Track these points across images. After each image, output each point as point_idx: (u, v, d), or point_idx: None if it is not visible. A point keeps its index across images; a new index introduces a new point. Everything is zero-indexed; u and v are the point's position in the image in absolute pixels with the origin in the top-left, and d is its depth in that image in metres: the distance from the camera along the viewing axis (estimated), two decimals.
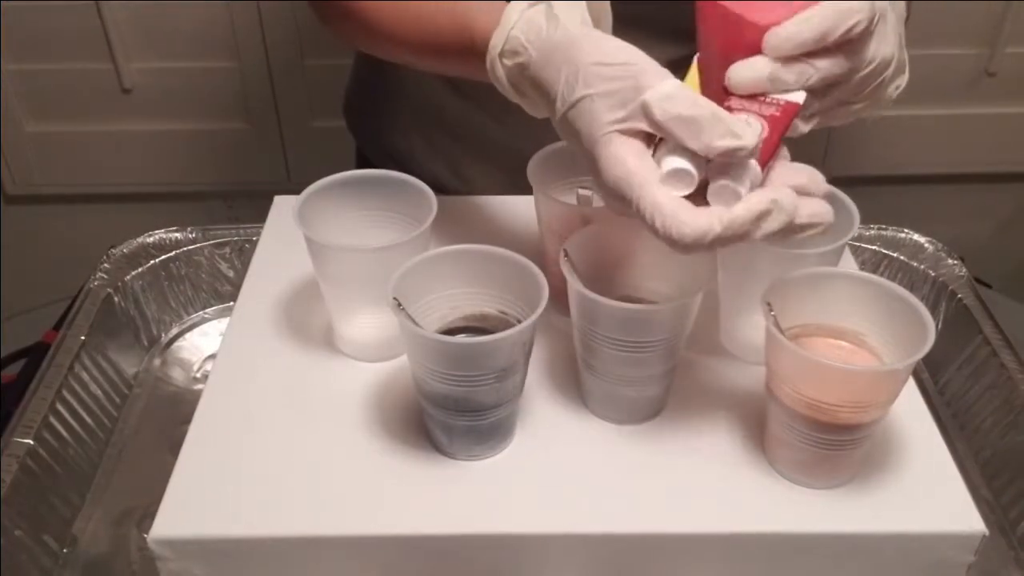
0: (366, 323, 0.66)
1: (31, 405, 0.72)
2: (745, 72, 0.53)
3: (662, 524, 0.57)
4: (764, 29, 0.53)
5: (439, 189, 0.67)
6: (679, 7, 0.58)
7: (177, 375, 0.83)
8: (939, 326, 0.84)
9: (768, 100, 0.54)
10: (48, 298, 0.95)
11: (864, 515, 0.58)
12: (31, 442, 0.69)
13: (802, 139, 0.57)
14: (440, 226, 0.63)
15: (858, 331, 0.60)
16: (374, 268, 0.60)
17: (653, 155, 0.52)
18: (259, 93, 1.51)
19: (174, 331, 0.87)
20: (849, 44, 0.54)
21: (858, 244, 0.90)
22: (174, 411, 0.78)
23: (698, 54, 0.56)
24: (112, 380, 0.79)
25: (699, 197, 0.51)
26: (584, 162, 0.54)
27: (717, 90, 0.54)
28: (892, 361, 0.58)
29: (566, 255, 0.59)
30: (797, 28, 0.53)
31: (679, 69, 0.55)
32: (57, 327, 0.82)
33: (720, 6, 0.55)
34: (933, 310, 0.83)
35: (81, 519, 0.70)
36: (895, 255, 0.90)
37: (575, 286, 0.58)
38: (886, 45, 0.57)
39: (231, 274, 0.89)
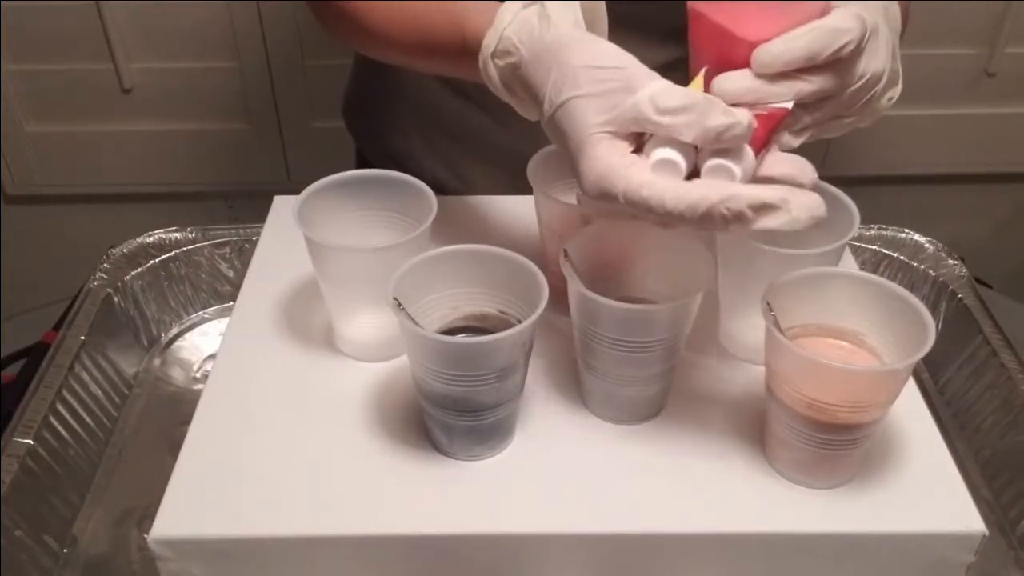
0: (366, 323, 0.66)
1: (31, 405, 0.72)
2: (731, 85, 0.54)
3: (662, 524, 0.57)
4: (754, 45, 0.53)
5: (439, 189, 0.67)
6: (675, 8, 0.58)
7: (177, 375, 0.83)
8: (939, 326, 0.84)
9: (756, 109, 0.54)
10: (48, 298, 0.95)
11: (864, 515, 0.58)
12: (31, 442, 0.69)
13: None
14: (440, 226, 0.63)
15: (858, 331, 0.60)
16: (374, 268, 0.60)
17: (641, 152, 0.52)
18: (259, 93, 1.51)
19: (174, 331, 0.87)
20: (839, 62, 0.54)
21: (858, 244, 0.90)
22: (174, 411, 0.78)
23: (705, 67, 0.56)
24: (112, 380, 0.79)
25: None
26: (570, 163, 0.54)
27: None
28: (892, 361, 0.58)
29: (566, 255, 0.59)
30: (786, 47, 0.53)
31: (675, 71, 0.55)
32: (57, 327, 0.82)
33: (710, 19, 0.55)
34: (933, 310, 0.83)
35: (81, 519, 0.70)
36: (895, 255, 0.90)
37: (575, 286, 0.58)
38: (877, 60, 0.57)
39: (231, 274, 0.89)
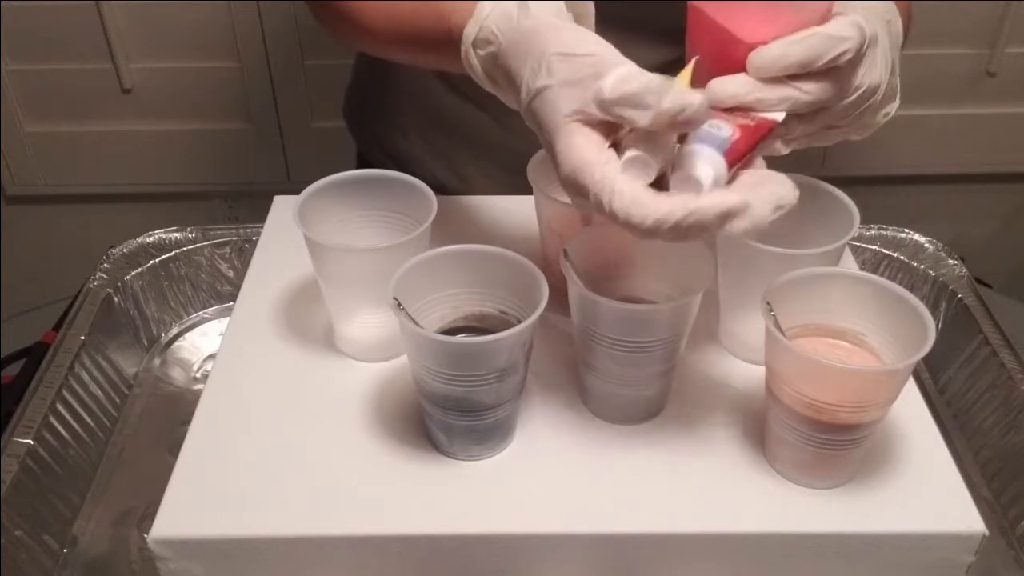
0: (366, 323, 0.66)
1: (31, 405, 0.72)
2: (726, 87, 0.53)
3: (662, 524, 0.57)
4: (751, 47, 0.53)
5: (439, 189, 0.67)
6: (670, 8, 0.58)
7: (177, 375, 0.83)
8: (939, 326, 0.84)
9: (745, 115, 0.53)
10: (48, 298, 0.95)
11: (864, 515, 0.58)
12: (31, 442, 0.69)
13: None
14: (440, 226, 0.63)
15: (858, 331, 0.60)
16: (374, 268, 0.60)
17: (616, 150, 0.52)
18: (259, 93, 1.51)
19: (174, 331, 0.87)
20: (836, 71, 0.54)
21: (858, 244, 0.90)
22: (174, 411, 0.78)
23: (695, 58, 0.55)
24: (112, 380, 0.79)
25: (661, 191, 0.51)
26: (548, 153, 0.54)
27: None
28: (892, 361, 0.58)
29: (566, 255, 0.59)
30: (783, 51, 0.52)
31: (670, 72, 0.55)
32: (57, 327, 0.82)
33: (709, 17, 0.55)
34: (933, 310, 0.83)
35: (81, 519, 0.70)
36: (895, 255, 0.90)
37: (575, 286, 0.58)
38: (874, 72, 0.56)
39: (231, 274, 0.89)
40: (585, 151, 0.50)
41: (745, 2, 0.54)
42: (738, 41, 0.54)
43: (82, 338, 0.78)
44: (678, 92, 0.49)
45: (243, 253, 0.89)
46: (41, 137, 1.55)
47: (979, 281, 0.88)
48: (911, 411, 0.64)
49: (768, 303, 0.57)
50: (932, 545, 0.58)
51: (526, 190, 0.69)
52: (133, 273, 0.85)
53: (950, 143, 1.57)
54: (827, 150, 1.51)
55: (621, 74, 0.50)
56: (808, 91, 0.53)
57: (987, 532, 0.57)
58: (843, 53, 0.53)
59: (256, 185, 1.59)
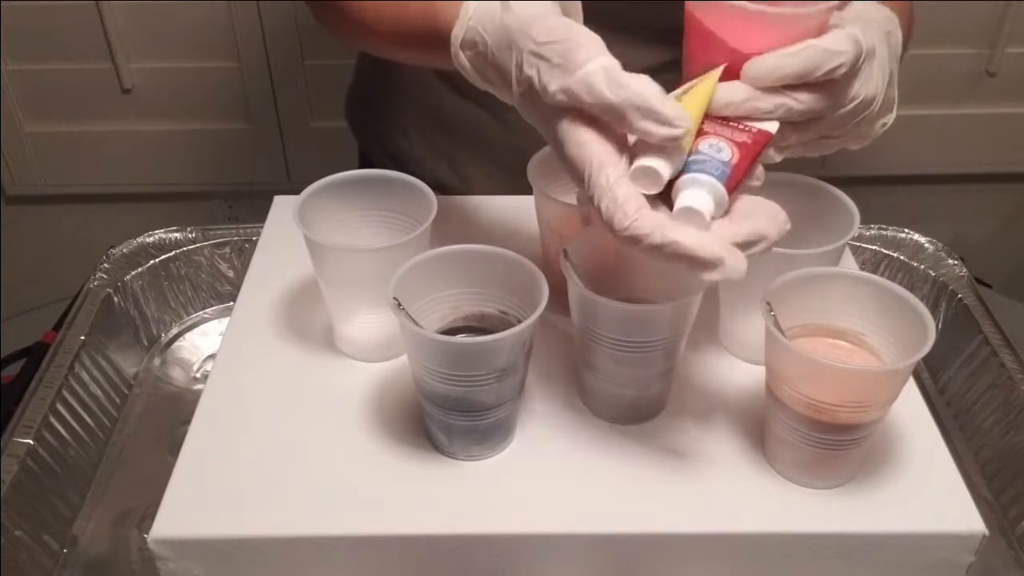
0: (366, 323, 0.66)
1: (31, 405, 0.72)
2: (721, 94, 0.53)
3: (662, 524, 0.57)
4: (746, 57, 0.53)
5: (440, 189, 0.67)
6: (664, 10, 0.58)
7: (177, 375, 0.83)
8: (939, 326, 0.84)
9: (741, 126, 0.53)
10: (48, 298, 0.95)
11: (864, 515, 0.58)
12: (31, 442, 0.69)
13: None
14: (440, 226, 0.63)
15: (858, 331, 0.60)
16: (374, 268, 0.60)
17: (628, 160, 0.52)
18: (259, 93, 1.51)
19: (174, 331, 0.87)
20: (831, 83, 0.54)
21: (858, 244, 0.90)
22: (174, 411, 0.78)
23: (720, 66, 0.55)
24: (112, 380, 0.79)
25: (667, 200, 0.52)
26: (548, 141, 0.55)
27: None
28: (892, 361, 0.58)
29: (566, 255, 0.59)
30: (778, 63, 0.53)
31: (662, 74, 0.55)
32: (57, 327, 0.82)
33: (705, 26, 0.55)
34: (933, 310, 0.83)
35: (81, 519, 0.70)
36: (895, 255, 0.90)
37: (575, 286, 0.58)
38: (870, 85, 0.56)
39: (231, 274, 0.89)
40: (588, 146, 0.51)
41: (742, 12, 0.53)
42: (734, 51, 0.54)
43: (82, 338, 0.78)
44: (666, 118, 0.49)
45: (243, 253, 0.89)
46: (41, 137, 1.55)
47: (979, 281, 0.88)
48: (911, 411, 0.64)
49: (768, 303, 0.57)
50: (932, 545, 0.58)
51: (526, 190, 0.69)
52: (133, 273, 0.85)
53: (950, 143, 1.57)
54: None
55: (598, 67, 0.50)
56: (802, 100, 0.54)
57: (987, 532, 0.57)
58: (838, 67, 0.53)
59: (256, 185, 1.59)
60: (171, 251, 0.88)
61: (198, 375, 0.83)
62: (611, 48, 0.53)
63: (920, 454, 0.62)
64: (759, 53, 0.53)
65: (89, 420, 0.75)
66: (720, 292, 0.68)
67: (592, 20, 0.56)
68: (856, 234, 0.64)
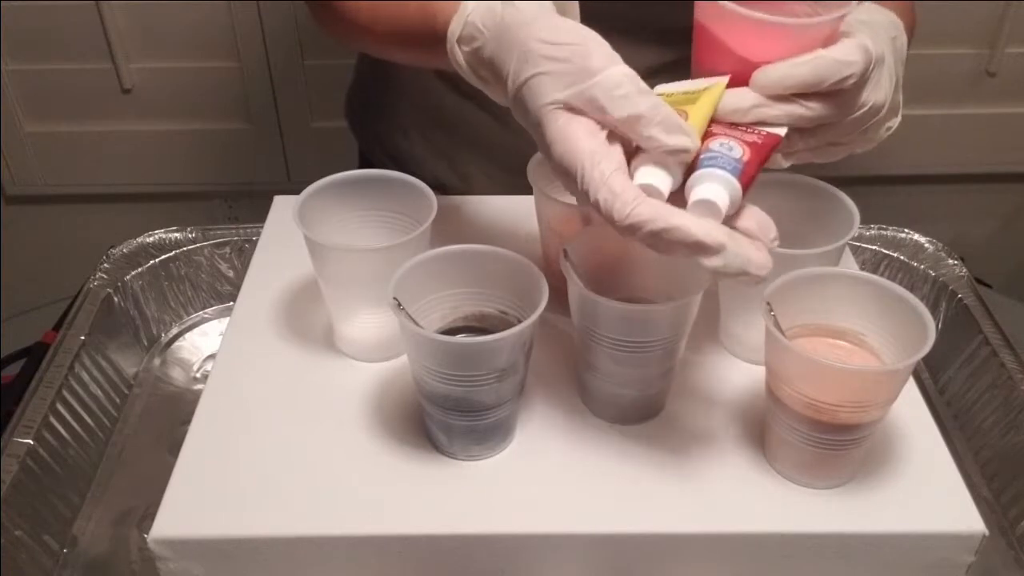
0: (366, 323, 0.66)
1: (31, 405, 0.72)
2: (729, 100, 0.53)
3: (662, 524, 0.57)
4: (755, 66, 0.53)
5: (440, 189, 0.67)
6: (665, 10, 0.58)
7: (177, 375, 0.83)
8: (939, 326, 0.84)
9: (750, 129, 0.53)
10: (48, 298, 0.95)
11: (864, 515, 0.58)
12: (31, 442, 0.69)
13: None
14: (440, 226, 0.63)
15: (858, 331, 0.60)
16: (374, 268, 0.60)
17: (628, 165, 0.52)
18: (259, 93, 1.51)
19: (174, 331, 0.87)
20: (841, 92, 0.54)
21: (858, 244, 0.90)
22: (174, 411, 0.78)
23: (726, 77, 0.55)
24: (112, 380, 0.79)
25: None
26: (537, 142, 0.54)
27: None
28: (892, 361, 0.58)
29: (566, 255, 0.59)
30: (788, 72, 0.53)
31: (660, 76, 0.55)
32: (57, 327, 0.82)
33: (715, 36, 0.55)
34: (933, 310, 0.83)
35: (81, 519, 0.70)
36: (895, 255, 0.90)
37: (575, 286, 0.58)
38: (879, 91, 0.56)
39: (231, 274, 0.89)
40: (577, 140, 0.51)
41: (751, 21, 0.53)
42: (742, 59, 0.54)
43: (82, 338, 0.78)
44: (678, 129, 0.50)
45: (243, 253, 0.89)
46: (41, 137, 1.55)
47: (979, 281, 0.88)
48: (911, 411, 0.64)
49: (768, 303, 0.57)
50: (932, 545, 0.58)
51: (526, 190, 0.69)
52: (133, 273, 0.85)
53: (950, 143, 1.57)
54: None
55: (623, 73, 0.50)
56: (811, 108, 0.54)
57: (987, 532, 0.57)
58: (848, 77, 0.53)
59: (256, 185, 1.59)
60: (171, 251, 0.88)
61: (198, 375, 0.83)
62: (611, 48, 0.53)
63: (920, 454, 0.62)
64: (768, 61, 0.53)
65: (89, 420, 0.75)
66: (720, 292, 0.68)
67: (592, 20, 0.56)
68: (856, 234, 0.64)
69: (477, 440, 0.60)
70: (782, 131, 0.53)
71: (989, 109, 1.54)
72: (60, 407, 0.73)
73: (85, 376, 0.77)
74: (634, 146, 0.52)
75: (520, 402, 0.61)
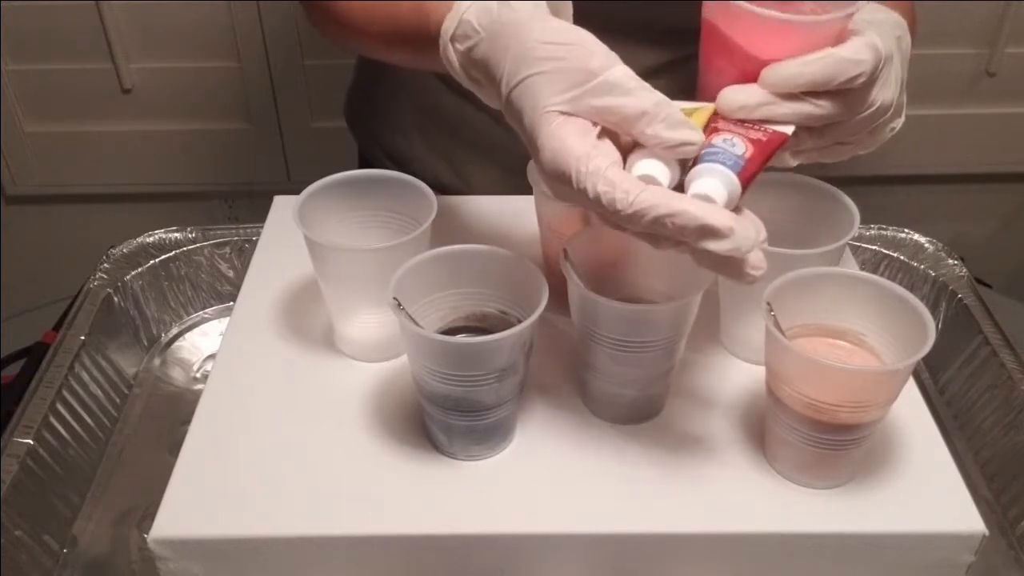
0: (366, 323, 0.66)
1: (31, 405, 0.72)
2: (737, 96, 0.53)
3: (662, 524, 0.57)
4: (764, 63, 0.53)
5: (440, 189, 0.67)
6: (661, 11, 0.57)
7: (177, 375, 0.83)
8: (939, 326, 0.84)
9: (756, 127, 0.53)
10: (48, 298, 0.95)
11: (864, 515, 0.58)
12: (31, 442, 0.69)
13: None
14: (440, 226, 0.63)
15: (858, 331, 0.60)
16: (374, 268, 0.60)
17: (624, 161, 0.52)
18: (259, 93, 1.51)
19: (174, 331, 0.87)
20: (850, 90, 0.54)
21: (858, 244, 0.90)
22: (174, 411, 0.78)
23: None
24: (112, 380, 0.79)
25: None
26: (527, 144, 0.54)
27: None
28: (892, 361, 0.58)
29: (566, 255, 0.59)
30: (797, 70, 0.52)
31: (657, 76, 0.55)
32: (57, 327, 0.82)
33: (723, 33, 0.54)
34: (933, 310, 0.83)
35: (81, 519, 0.70)
36: (895, 255, 0.90)
37: (575, 286, 0.58)
38: (887, 91, 0.56)
39: (231, 274, 0.89)
40: (566, 138, 0.50)
41: (760, 18, 0.53)
42: (752, 58, 0.53)
43: (82, 338, 0.78)
44: (683, 124, 0.49)
45: (243, 253, 0.89)
46: (41, 137, 1.55)
47: (979, 281, 0.88)
48: (911, 411, 0.64)
49: (768, 303, 0.57)
50: (932, 545, 0.58)
51: (526, 190, 0.69)
52: (133, 273, 0.85)
53: (950, 143, 1.57)
54: None
55: (623, 73, 0.50)
56: (821, 106, 0.53)
57: (987, 532, 0.57)
58: (858, 75, 0.53)
59: (256, 185, 1.59)
60: (171, 251, 0.88)
61: (198, 375, 0.83)
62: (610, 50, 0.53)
63: (920, 454, 0.62)
64: (776, 59, 0.53)
65: (89, 420, 0.75)
66: (720, 292, 0.68)
67: (591, 20, 0.56)
68: (856, 234, 0.64)
69: (477, 440, 0.60)
70: (788, 129, 0.53)
71: (989, 109, 1.54)
72: (60, 407, 0.73)
73: (85, 376, 0.77)
74: (631, 145, 0.52)
75: (520, 402, 0.61)
